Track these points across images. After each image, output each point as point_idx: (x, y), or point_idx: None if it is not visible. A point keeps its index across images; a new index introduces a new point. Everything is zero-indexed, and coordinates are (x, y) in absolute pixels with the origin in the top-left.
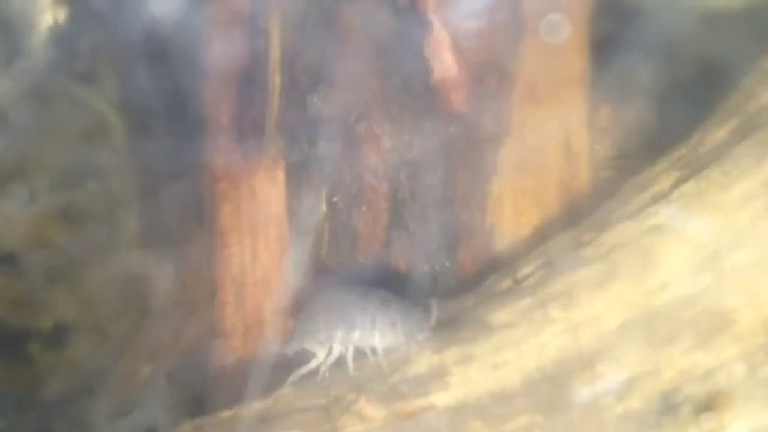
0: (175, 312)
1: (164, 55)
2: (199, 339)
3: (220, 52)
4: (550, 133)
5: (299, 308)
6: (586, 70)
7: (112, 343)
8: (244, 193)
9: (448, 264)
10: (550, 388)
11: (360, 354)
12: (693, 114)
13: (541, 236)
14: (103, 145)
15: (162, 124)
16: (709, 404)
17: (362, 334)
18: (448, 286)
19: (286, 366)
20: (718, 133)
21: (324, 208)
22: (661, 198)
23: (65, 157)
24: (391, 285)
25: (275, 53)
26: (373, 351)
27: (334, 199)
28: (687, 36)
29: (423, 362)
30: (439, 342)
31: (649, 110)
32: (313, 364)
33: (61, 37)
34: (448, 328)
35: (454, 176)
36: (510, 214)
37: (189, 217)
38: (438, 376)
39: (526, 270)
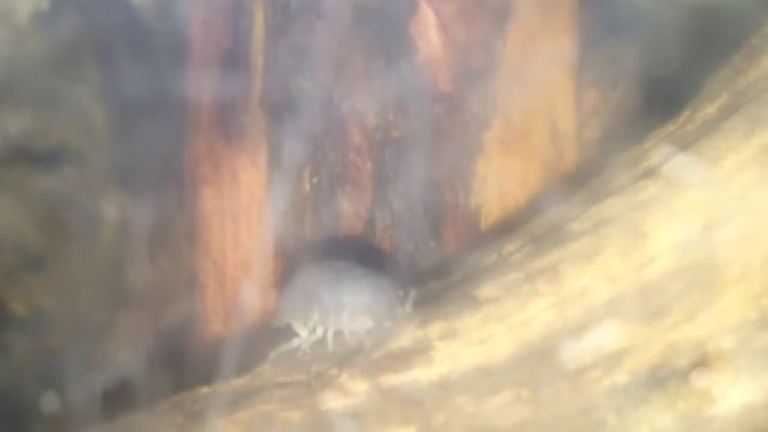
0: (155, 294)
1: (146, 39)
2: (180, 321)
3: (203, 33)
4: (537, 114)
5: (282, 289)
6: (573, 52)
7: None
8: (226, 175)
9: (432, 244)
10: (536, 362)
11: (340, 333)
12: (681, 96)
13: (527, 217)
14: (84, 132)
15: (143, 106)
16: (701, 361)
17: (336, 318)
18: (432, 265)
19: (268, 343)
20: (708, 109)
21: (307, 187)
22: (649, 173)
23: (44, 144)
24: (374, 264)
25: (258, 33)
26: (351, 333)
27: (317, 179)
28: (674, 17)
29: (406, 337)
30: (423, 316)
31: (637, 93)
32: (295, 342)
33: (42, 25)
34: (433, 303)
35: (439, 156)
36: (495, 195)
37: (170, 202)
38: (422, 351)
39: (512, 246)
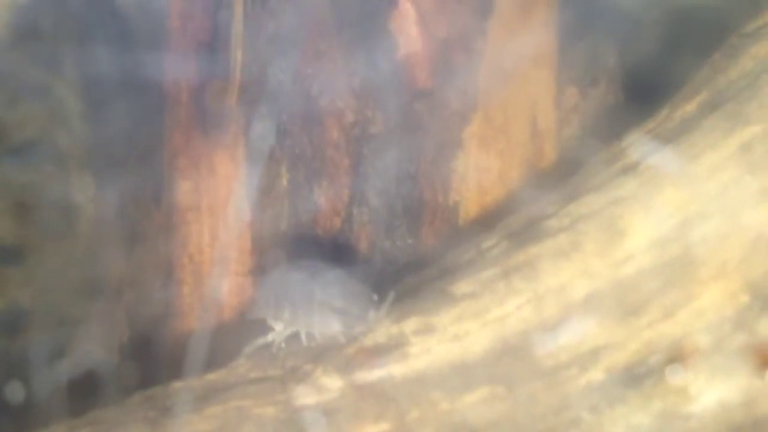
0: (131, 289)
1: (124, 31)
2: (156, 315)
3: (181, 27)
4: (517, 111)
5: (257, 285)
6: (554, 49)
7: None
8: (204, 170)
9: (410, 240)
10: (512, 359)
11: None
12: (661, 94)
13: (505, 213)
14: (60, 125)
15: (122, 101)
16: (678, 359)
17: (306, 319)
18: (410, 263)
19: (244, 338)
20: (687, 107)
21: (285, 182)
22: (628, 170)
23: (21, 139)
24: (351, 261)
25: (238, 27)
26: (321, 335)
27: (295, 175)
28: (654, 15)
29: (382, 332)
30: (398, 312)
31: (617, 90)
32: (270, 337)
33: (20, 17)
34: (409, 298)
35: (418, 152)
36: (474, 193)
37: (146, 196)
38: (397, 347)
39: (490, 242)
